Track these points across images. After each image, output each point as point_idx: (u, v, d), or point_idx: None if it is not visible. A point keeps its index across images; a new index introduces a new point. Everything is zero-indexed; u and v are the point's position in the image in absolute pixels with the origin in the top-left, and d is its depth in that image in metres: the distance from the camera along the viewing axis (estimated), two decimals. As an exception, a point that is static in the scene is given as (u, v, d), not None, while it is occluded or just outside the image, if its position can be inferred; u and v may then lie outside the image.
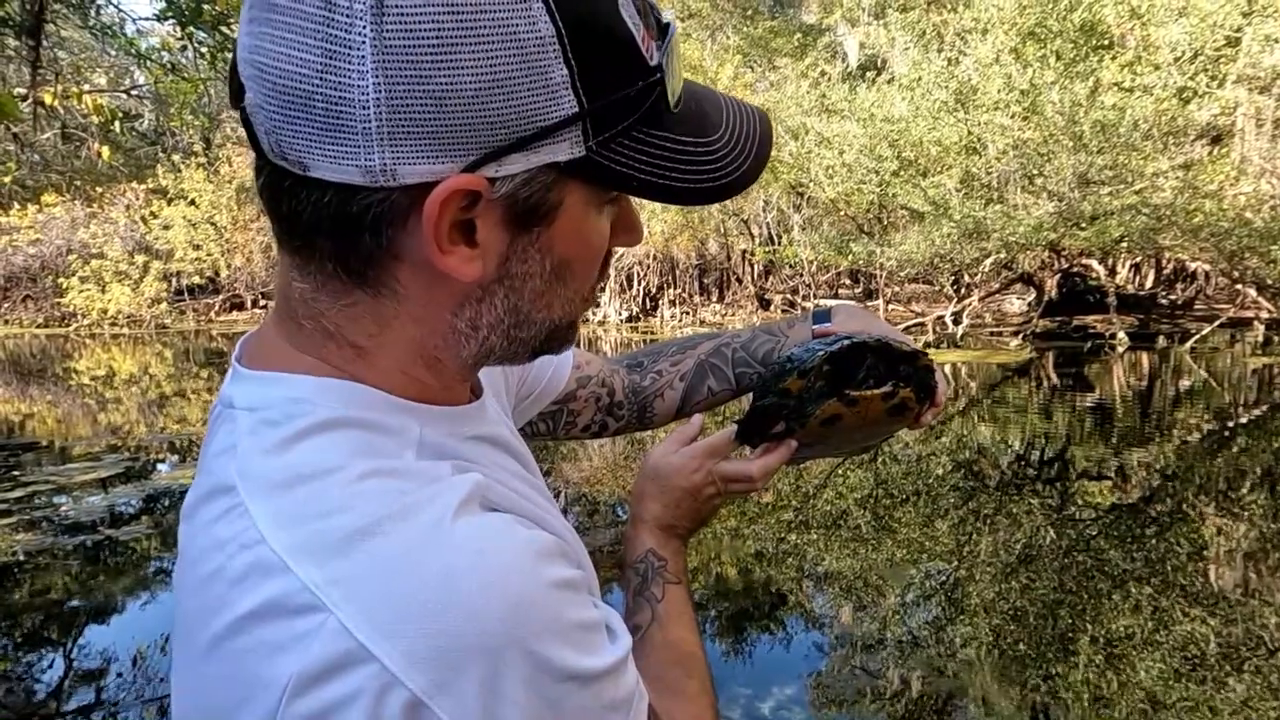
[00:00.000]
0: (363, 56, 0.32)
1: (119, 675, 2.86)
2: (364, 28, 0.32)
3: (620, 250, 0.48)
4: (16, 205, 18.00)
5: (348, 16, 0.32)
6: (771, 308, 19.81)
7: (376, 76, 0.32)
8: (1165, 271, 14.71)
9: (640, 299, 21.10)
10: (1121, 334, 11.33)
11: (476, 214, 0.37)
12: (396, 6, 0.32)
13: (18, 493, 5.18)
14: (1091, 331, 12.73)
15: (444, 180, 0.35)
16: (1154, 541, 3.88)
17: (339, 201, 0.35)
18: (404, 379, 0.41)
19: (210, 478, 0.38)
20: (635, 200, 0.44)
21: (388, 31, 0.32)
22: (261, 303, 23.85)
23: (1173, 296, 14.59)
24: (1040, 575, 3.50)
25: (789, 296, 19.57)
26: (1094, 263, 12.77)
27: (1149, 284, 14.55)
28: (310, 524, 0.34)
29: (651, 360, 0.86)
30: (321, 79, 0.33)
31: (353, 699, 0.31)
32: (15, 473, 5.72)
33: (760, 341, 0.82)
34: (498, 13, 0.33)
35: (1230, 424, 6.48)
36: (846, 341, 0.65)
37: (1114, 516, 4.31)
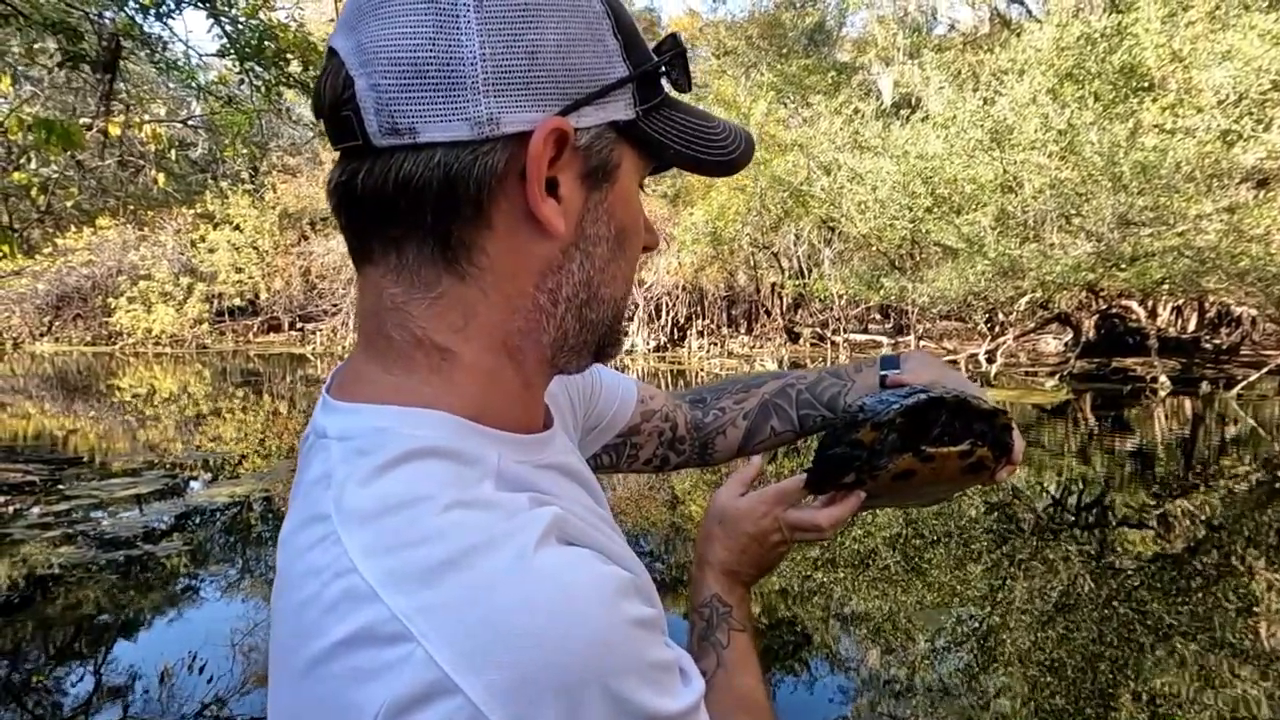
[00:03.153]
0: (469, 21, 0.39)
1: (145, 692, 2.89)
2: None
3: (645, 256, 0.54)
4: (73, 228, 18.78)
5: None
6: (800, 341, 19.68)
7: (481, 36, 0.39)
8: (1209, 315, 14.32)
9: (668, 329, 21.15)
10: (1163, 378, 11.02)
11: (558, 169, 0.42)
12: None
13: (60, 506, 5.32)
14: (1131, 374, 12.40)
15: (539, 126, 0.40)
16: (1200, 595, 3.73)
17: (445, 161, 0.40)
18: (486, 384, 0.44)
19: (307, 506, 0.40)
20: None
21: (485, 2, 0.39)
22: (298, 325, 24.40)
23: (1217, 341, 14.18)
24: (1079, 625, 3.38)
25: (818, 330, 19.45)
26: (1134, 304, 12.51)
27: (1191, 327, 14.17)
28: (398, 554, 0.35)
29: (714, 397, 0.86)
30: (434, 44, 0.39)
31: None
32: (60, 486, 5.88)
33: (826, 384, 0.82)
34: None
35: (1280, 474, 6.23)
36: (923, 395, 0.64)
37: (1157, 567, 4.15)
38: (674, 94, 0.49)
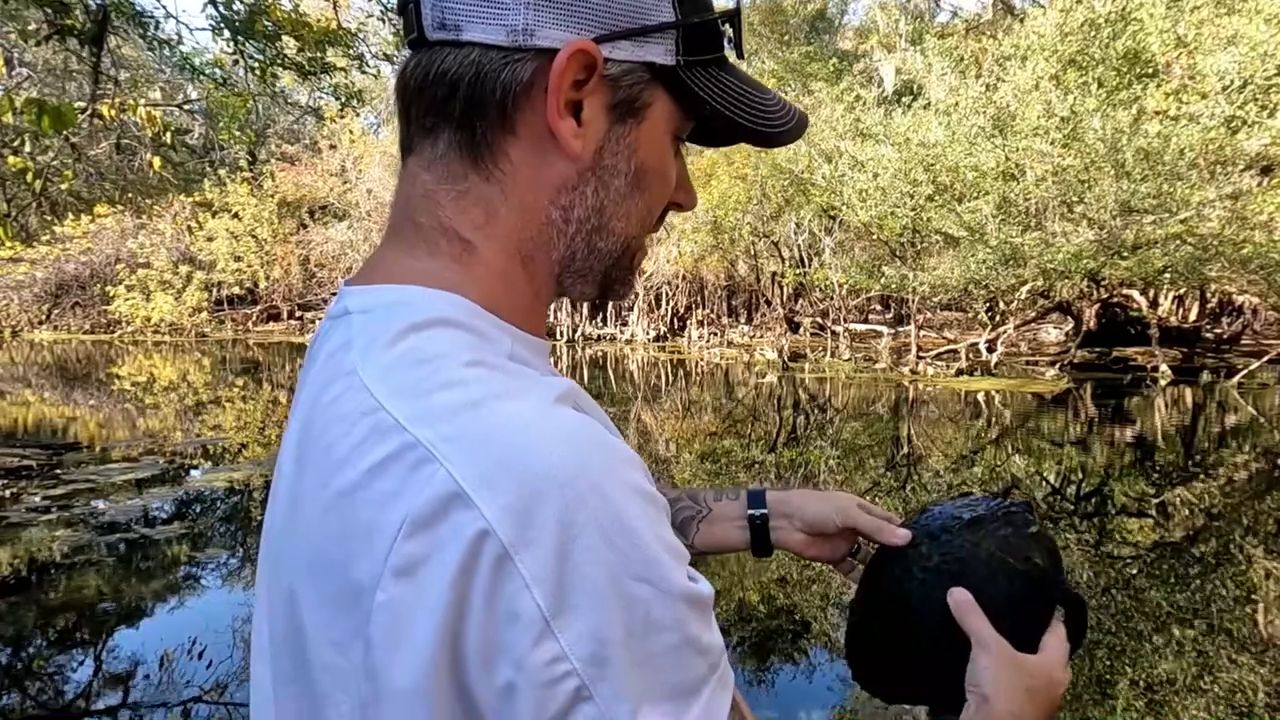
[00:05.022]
0: None
1: (146, 677, 2.90)
2: None
3: (673, 213, 0.54)
4: (71, 215, 18.72)
5: None
6: (800, 331, 19.66)
7: None
8: (1210, 304, 14.30)
9: (669, 319, 21.13)
10: (1164, 367, 11.01)
11: (585, 94, 0.44)
12: None
13: (58, 490, 5.32)
14: (1132, 364, 12.40)
15: (566, 44, 0.42)
16: (1198, 583, 3.73)
17: (479, 61, 0.43)
18: (500, 284, 0.46)
19: (328, 370, 0.42)
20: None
21: None
22: (297, 314, 24.38)
23: (1218, 330, 14.18)
24: (1077, 613, 3.38)
25: (818, 320, 19.42)
26: (1135, 293, 12.49)
27: (1193, 317, 14.15)
28: (424, 397, 0.37)
29: None
30: None
31: (451, 541, 0.34)
32: (58, 471, 5.88)
33: (682, 506, 0.79)
34: None
35: (1280, 463, 6.24)
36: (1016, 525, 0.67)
37: (1155, 555, 4.15)
38: (736, 63, 0.50)
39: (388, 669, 0.35)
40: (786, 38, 22.97)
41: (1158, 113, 9.35)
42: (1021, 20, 12.51)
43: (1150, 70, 9.69)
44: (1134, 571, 3.89)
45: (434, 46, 0.44)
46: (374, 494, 0.35)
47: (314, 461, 0.39)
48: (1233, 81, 8.73)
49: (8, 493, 5.27)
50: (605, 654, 0.34)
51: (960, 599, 0.62)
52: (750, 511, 0.76)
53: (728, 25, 0.48)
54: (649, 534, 0.36)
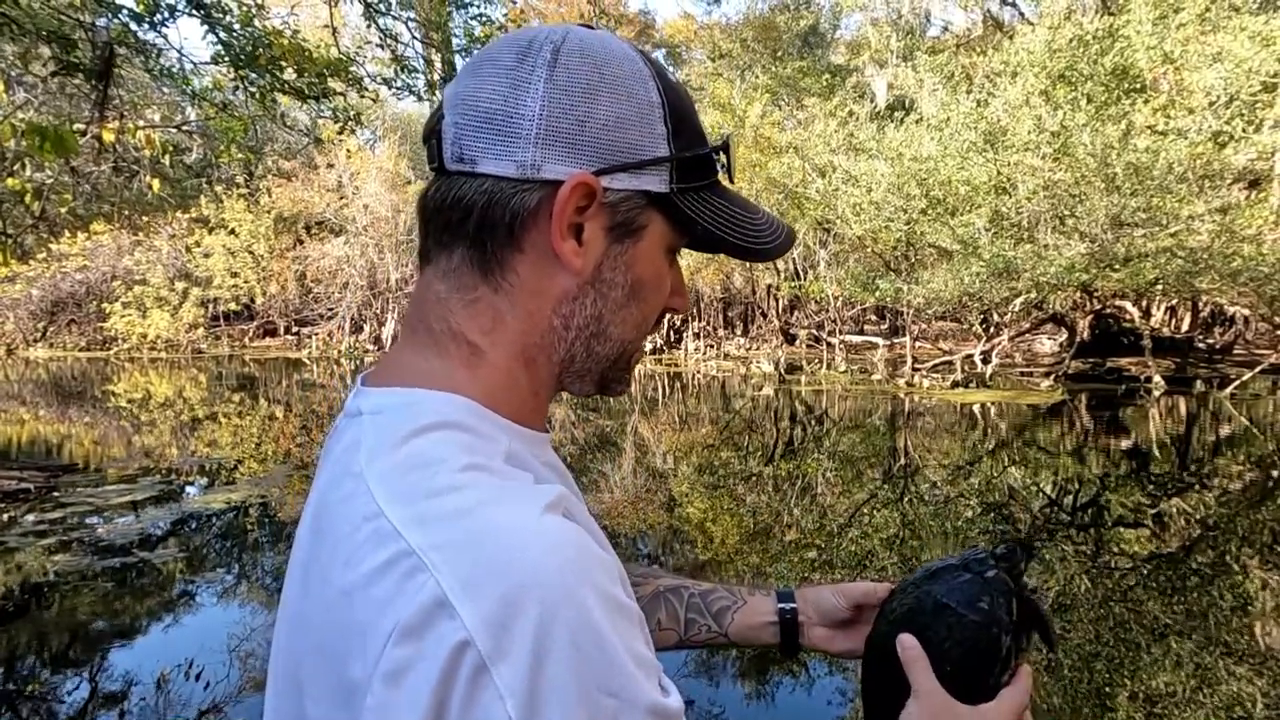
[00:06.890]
0: (537, 89, 0.47)
1: (142, 699, 2.89)
2: (542, 72, 0.48)
3: (669, 313, 0.58)
4: (67, 233, 18.72)
5: (531, 66, 0.48)
6: (796, 343, 19.71)
7: (542, 102, 0.47)
8: (1202, 315, 14.40)
9: (665, 331, 21.16)
10: (1157, 377, 11.07)
11: (586, 218, 0.49)
12: (565, 64, 0.48)
13: (55, 513, 5.30)
14: (1126, 374, 12.46)
15: (569, 177, 0.47)
16: (1195, 594, 3.74)
17: (491, 190, 0.48)
18: (503, 383, 0.50)
19: (339, 467, 0.46)
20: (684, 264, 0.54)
21: (556, 76, 0.48)
22: (294, 329, 24.36)
23: (1210, 340, 14.26)
24: (1075, 626, 3.39)
25: (814, 332, 19.47)
26: (1128, 304, 12.56)
27: (1185, 327, 14.24)
28: (420, 502, 0.40)
29: None
30: (505, 101, 0.48)
31: (434, 651, 0.36)
32: (55, 494, 5.86)
33: (717, 596, 0.81)
34: (631, 81, 0.49)
35: (1275, 473, 6.27)
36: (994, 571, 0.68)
37: (1152, 566, 4.17)
38: (729, 186, 0.56)
39: None
40: (779, 53, 23.18)
41: (1147, 128, 9.46)
42: (1011, 36, 12.67)
43: (1138, 86, 9.82)
44: (1131, 582, 3.91)
45: (452, 175, 0.49)
46: (370, 598, 0.38)
47: (323, 554, 0.43)
48: (1219, 97, 8.85)
49: (5, 516, 5.25)
50: None
51: (905, 646, 0.64)
52: (781, 606, 0.79)
53: (721, 154, 0.54)
54: (620, 648, 0.39)
